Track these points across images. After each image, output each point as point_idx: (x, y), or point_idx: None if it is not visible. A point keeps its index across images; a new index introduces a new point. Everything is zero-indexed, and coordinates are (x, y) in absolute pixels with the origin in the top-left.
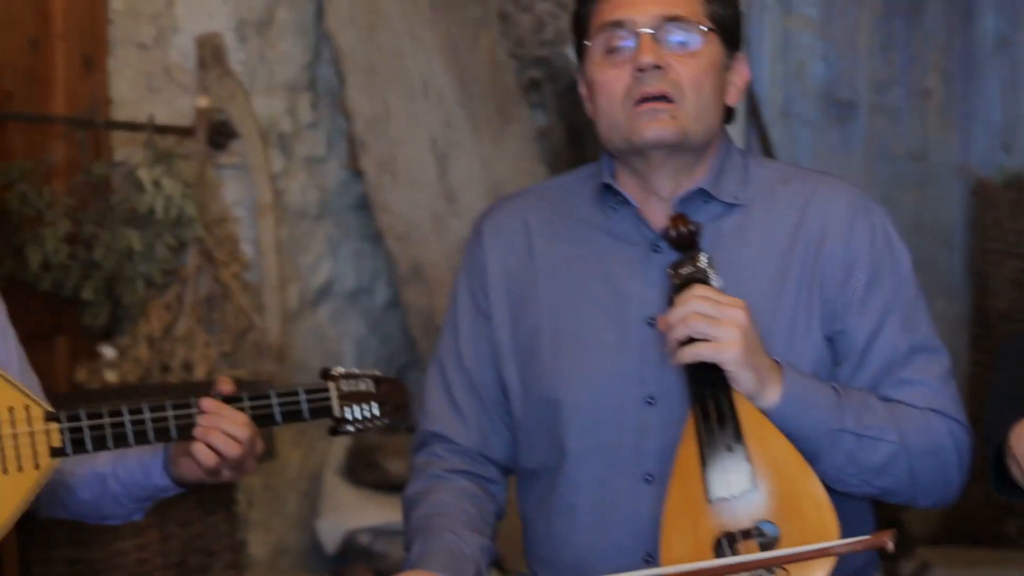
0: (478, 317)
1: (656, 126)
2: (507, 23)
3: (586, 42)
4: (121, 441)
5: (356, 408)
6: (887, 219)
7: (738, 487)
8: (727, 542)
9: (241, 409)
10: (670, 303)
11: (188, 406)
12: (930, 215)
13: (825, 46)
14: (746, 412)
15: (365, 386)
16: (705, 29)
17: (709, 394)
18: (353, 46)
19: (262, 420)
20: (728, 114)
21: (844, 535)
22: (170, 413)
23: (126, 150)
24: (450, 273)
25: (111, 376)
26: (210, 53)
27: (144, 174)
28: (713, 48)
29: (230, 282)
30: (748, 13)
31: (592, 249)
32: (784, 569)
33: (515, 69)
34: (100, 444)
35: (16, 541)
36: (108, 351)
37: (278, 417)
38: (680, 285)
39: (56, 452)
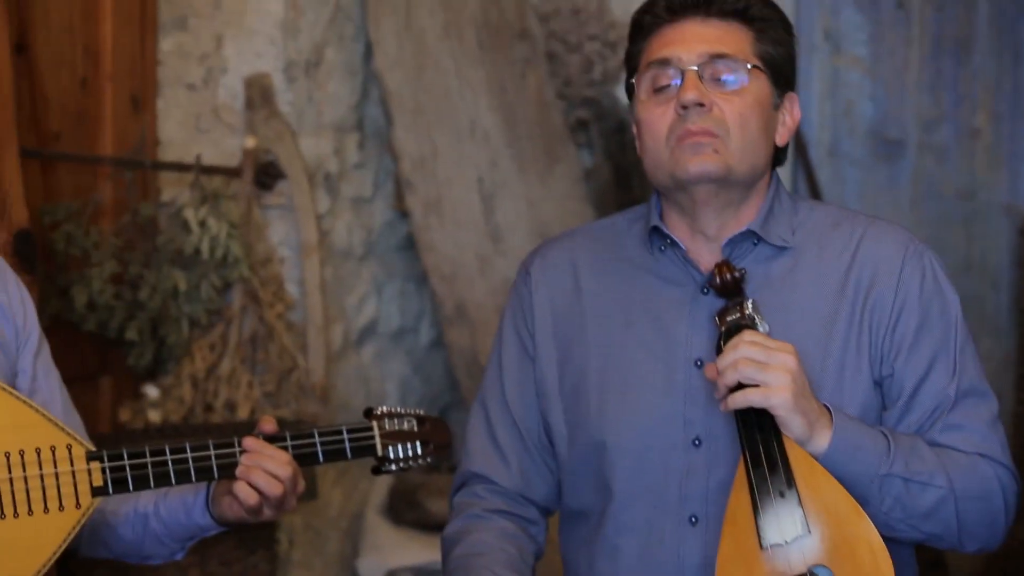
0: (524, 358)
1: (699, 160)
2: (555, 63)
3: (632, 81)
4: (163, 480)
5: (399, 447)
6: (937, 263)
7: (791, 533)
8: None
9: (284, 448)
10: (718, 350)
11: (230, 445)
12: (977, 254)
13: (874, 85)
14: (797, 457)
15: (408, 425)
16: (751, 67)
17: (760, 439)
18: (401, 86)
19: (305, 459)
20: (779, 156)
21: None
22: (212, 452)
23: (173, 190)
24: (494, 313)
25: (154, 416)
26: (258, 94)
27: (190, 214)
28: (760, 86)
29: (274, 322)
30: (797, 52)
31: (640, 291)
32: None
33: (563, 109)
34: (142, 483)
35: None
36: (151, 391)
37: (321, 456)
38: (727, 332)
39: (97, 491)
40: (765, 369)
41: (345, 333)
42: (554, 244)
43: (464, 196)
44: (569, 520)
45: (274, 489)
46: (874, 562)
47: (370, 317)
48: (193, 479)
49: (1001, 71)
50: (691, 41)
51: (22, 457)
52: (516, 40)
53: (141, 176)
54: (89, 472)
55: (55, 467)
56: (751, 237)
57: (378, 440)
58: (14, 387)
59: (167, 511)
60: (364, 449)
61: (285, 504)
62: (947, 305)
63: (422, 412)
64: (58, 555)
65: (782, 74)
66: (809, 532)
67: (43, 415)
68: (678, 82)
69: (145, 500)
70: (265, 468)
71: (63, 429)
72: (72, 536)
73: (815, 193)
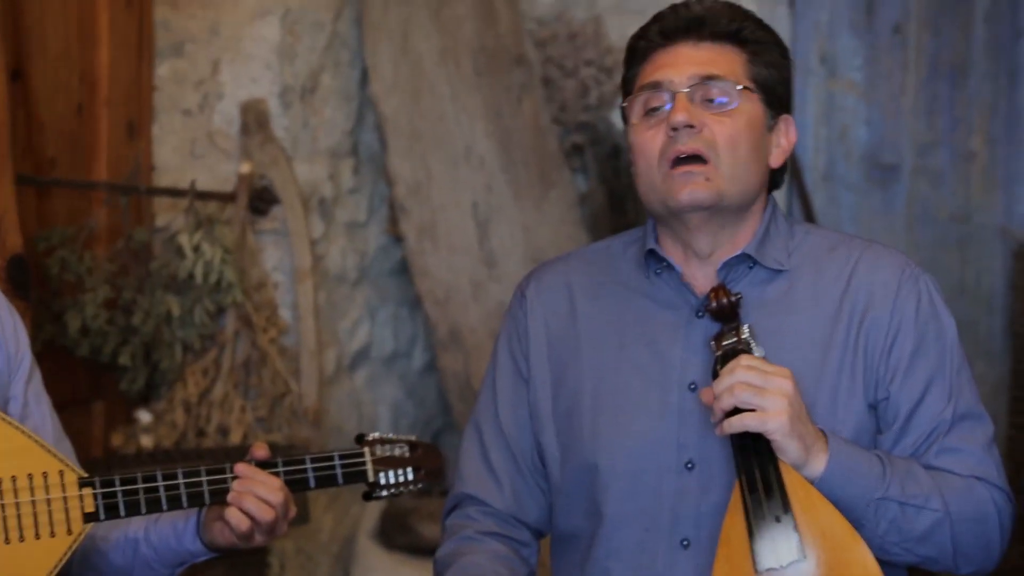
0: (518, 380)
1: (690, 189)
2: (550, 88)
3: (623, 104)
4: (154, 506)
5: (391, 473)
6: (933, 287)
7: (787, 557)
8: None
9: (275, 474)
10: (714, 374)
11: (222, 471)
12: (972, 278)
13: (869, 109)
14: (793, 481)
15: (400, 451)
16: (741, 88)
17: (755, 464)
18: (396, 112)
19: (296, 485)
20: (775, 178)
21: None
22: (204, 478)
23: (168, 216)
24: (488, 338)
25: (146, 441)
26: (254, 119)
27: (185, 240)
28: (752, 108)
29: (268, 347)
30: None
31: (635, 314)
32: None
33: (558, 134)
34: (133, 509)
35: None
36: (144, 416)
37: (312, 482)
38: (723, 356)
39: (89, 517)
40: (762, 394)
41: (338, 358)
42: (549, 267)
43: (459, 221)
44: (560, 543)
45: (265, 515)
46: None
47: (363, 342)
48: (185, 505)
49: (997, 95)
50: (683, 64)
51: (14, 483)
52: (512, 66)
53: (136, 202)
54: (81, 498)
55: (47, 493)
56: (746, 260)
57: (370, 466)
58: (6, 413)
59: (157, 537)
60: (356, 475)
61: (276, 530)
62: (943, 329)
63: (414, 438)
64: None
65: (776, 96)
66: (805, 557)
67: (35, 441)
68: (669, 105)
69: (135, 526)
70: (256, 494)
71: (55, 455)
72: (63, 562)
73: (810, 217)
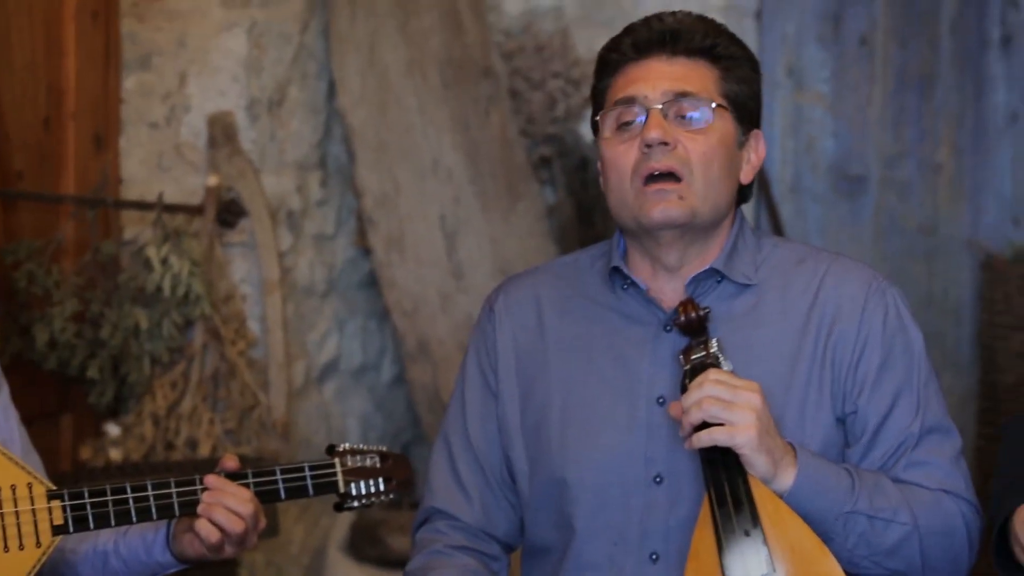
0: (487, 395)
1: (663, 207)
2: (518, 100)
3: (596, 118)
4: (124, 518)
5: (361, 484)
6: (900, 299)
7: (756, 571)
8: None
9: (245, 486)
10: (683, 388)
11: (192, 483)
12: (939, 289)
13: (836, 121)
14: (762, 495)
15: (371, 462)
16: (715, 106)
17: (724, 478)
18: (364, 124)
19: (267, 496)
20: (744, 193)
21: None
22: (174, 490)
23: (135, 228)
24: (456, 350)
25: (115, 454)
26: (221, 132)
27: (152, 252)
28: (725, 125)
29: (236, 359)
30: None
31: (603, 328)
32: None
33: (525, 146)
34: (102, 521)
35: None
36: (112, 429)
37: (283, 493)
38: (692, 370)
39: (58, 530)
40: (730, 408)
41: (307, 370)
42: (517, 281)
43: (426, 233)
44: (531, 556)
45: (235, 526)
46: None
47: (332, 354)
48: (154, 517)
49: (963, 106)
50: (656, 79)
51: None
52: (480, 78)
53: (103, 214)
54: (50, 511)
55: (15, 505)
56: (714, 275)
57: (340, 477)
58: None
59: (127, 549)
60: (326, 486)
61: (247, 541)
62: (910, 342)
63: (384, 448)
64: None
65: (747, 112)
66: (774, 571)
67: (3, 454)
68: (641, 119)
69: (105, 538)
70: (227, 505)
71: (24, 468)
72: (33, 575)
73: (777, 229)
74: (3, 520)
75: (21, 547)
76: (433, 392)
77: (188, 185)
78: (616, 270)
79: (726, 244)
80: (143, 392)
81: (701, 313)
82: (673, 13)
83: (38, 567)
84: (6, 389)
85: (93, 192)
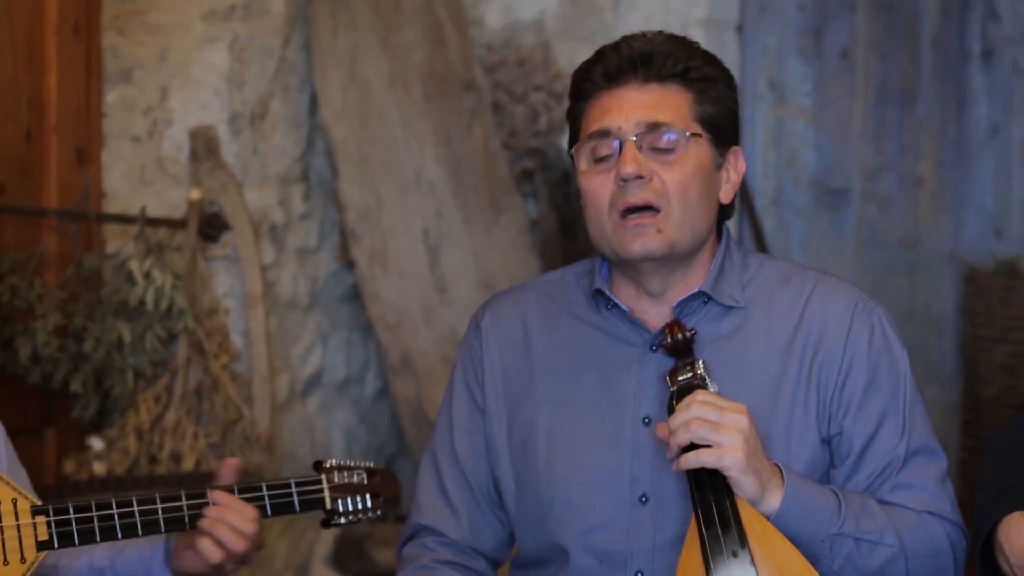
0: (474, 411)
1: (642, 240)
2: (500, 114)
3: (571, 152)
4: (109, 534)
5: (348, 500)
6: (886, 320)
7: None
8: None
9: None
10: (669, 410)
11: (178, 499)
12: (921, 302)
13: (818, 135)
14: (749, 516)
15: (357, 478)
16: (690, 135)
17: (712, 499)
18: (346, 137)
19: None
20: (726, 211)
21: None
22: (160, 506)
23: (118, 242)
24: (440, 363)
25: (99, 468)
26: (203, 145)
27: (135, 266)
28: (700, 151)
29: (220, 373)
30: (741, 103)
31: (589, 347)
32: None
33: (508, 160)
34: (87, 537)
35: None
36: (96, 443)
37: (268, 510)
38: (679, 392)
39: (43, 545)
40: (717, 430)
41: (290, 383)
42: (504, 298)
43: (409, 247)
44: (520, 569)
45: (238, 546)
46: None
47: (315, 367)
48: (139, 533)
49: (945, 119)
50: (629, 109)
51: None
52: (462, 91)
53: (85, 228)
54: (34, 526)
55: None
56: (701, 296)
57: (327, 493)
58: None
59: (123, 566)
60: (313, 503)
61: (246, 560)
62: (896, 363)
63: (371, 464)
64: None
65: (723, 132)
66: None
67: None
68: (616, 151)
69: (100, 554)
70: (230, 523)
71: (8, 483)
72: None
73: (760, 242)
74: None
75: (6, 563)
76: (417, 405)
77: (170, 199)
78: (599, 291)
79: (713, 266)
80: (127, 406)
81: (687, 335)
82: (644, 35)
83: None
84: None
85: (75, 206)
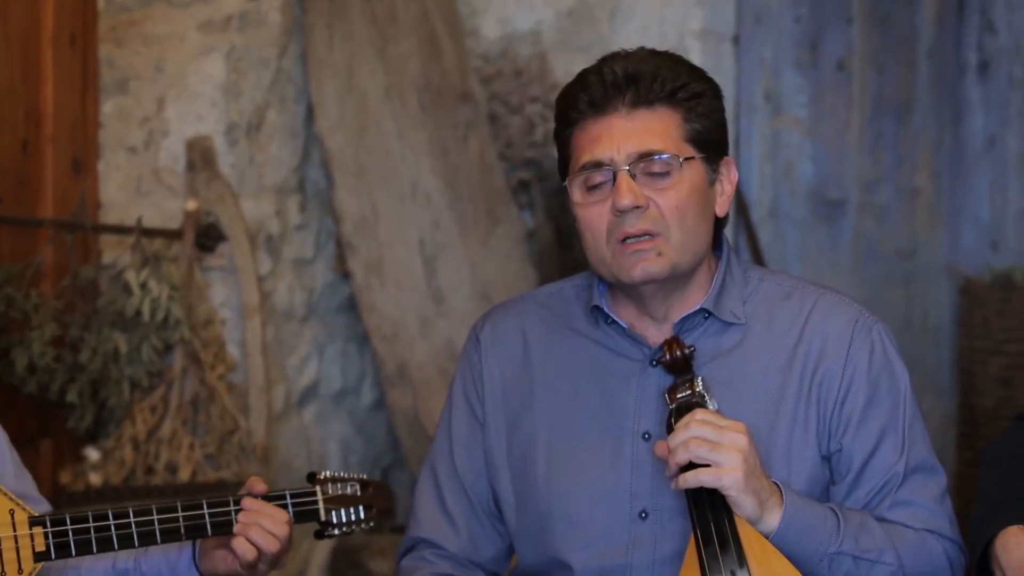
0: (473, 424)
1: (643, 265)
2: (497, 125)
3: (564, 183)
4: (105, 545)
5: (342, 512)
6: (887, 336)
7: None
8: None
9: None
10: (669, 428)
11: (173, 509)
12: (918, 313)
13: (814, 146)
14: (748, 536)
15: (351, 490)
16: (683, 160)
17: (711, 518)
18: (343, 148)
19: None
20: (720, 221)
21: None
22: (155, 517)
23: (114, 253)
24: (436, 374)
25: (95, 478)
26: (199, 156)
27: (131, 277)
28: (694, 173)
29: (216, 384)
30: (737, 114)
31: (588, 362)
32: None
33: (504, 170)
34: (84, 548)
35: None
36: (92, 453)
37: None
38: (678, 410)
39: (40, 556)
40: (717, 449)
41: (287, 394)
42: (503, 311)
43: (405, 257)
44: None
45: (271, 546)
46: None
47: (311, 378)
48: (136, 544)
49: (941, 131)
50: (619, 139)
51: None
52: (458, 102)
53: (82, 239)
54: (31, 537)
55: None
56: (702, 312)
57: (321, 505)
58: None
59: (148, 566)
60: (307, 514)
61: (279, 562)
62: (896, 380)
63: (365, 476)
64: None
65: (714, 145)
66: None
67: None
68: (609, 180)
69: (124, 556)
70: (263, 525)
71: (6, 494)
72: None
73: (756, 254)
74: None
75: (3, 574)
76: (413, 416)
77: (167, 209)
78: (597, 307)
79: (714, 282)
80: (123, 416)
81: (687, 352)
82: (627, 55)
83: None
84: None
85: (72, 216)
